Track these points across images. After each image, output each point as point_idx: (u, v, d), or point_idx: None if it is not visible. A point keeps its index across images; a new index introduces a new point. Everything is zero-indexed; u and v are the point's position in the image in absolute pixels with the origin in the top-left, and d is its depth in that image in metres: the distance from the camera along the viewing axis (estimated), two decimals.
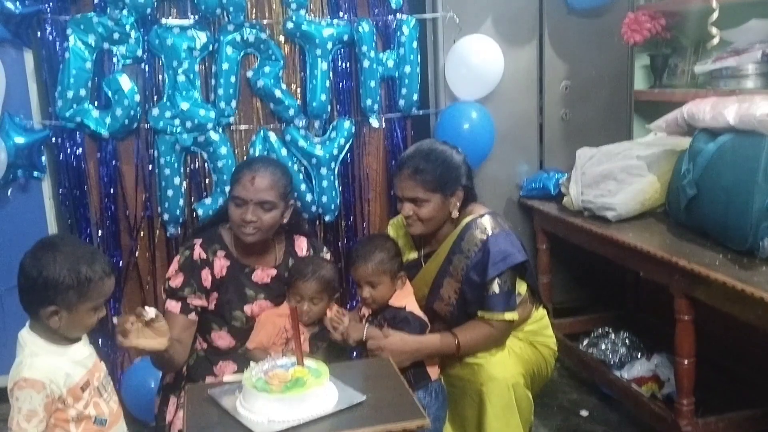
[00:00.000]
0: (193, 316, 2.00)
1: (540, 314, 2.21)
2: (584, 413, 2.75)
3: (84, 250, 1.56)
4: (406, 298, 2.05)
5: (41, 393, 1.46)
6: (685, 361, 2.25)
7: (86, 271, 1.50)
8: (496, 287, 1.99)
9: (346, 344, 1.99)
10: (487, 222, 2.06)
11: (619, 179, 2.66)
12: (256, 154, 2.89)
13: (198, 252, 2.02)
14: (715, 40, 2.64)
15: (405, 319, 2.01)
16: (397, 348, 1.94)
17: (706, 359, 2.35)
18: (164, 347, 1.69)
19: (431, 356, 2.02)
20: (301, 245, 2.17)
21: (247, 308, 2.03)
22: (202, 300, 2.01)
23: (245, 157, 2.93)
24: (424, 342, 2.00)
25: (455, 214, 2.08)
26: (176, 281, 1.99)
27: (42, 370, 1.48)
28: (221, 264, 2.03)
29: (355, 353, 2.44)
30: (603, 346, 3.03)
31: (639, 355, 2.93)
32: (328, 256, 2.20)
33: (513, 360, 2.05)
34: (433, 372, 2.03)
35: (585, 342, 3.11)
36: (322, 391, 1.58)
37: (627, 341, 3.03)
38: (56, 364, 1.51)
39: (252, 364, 1.67)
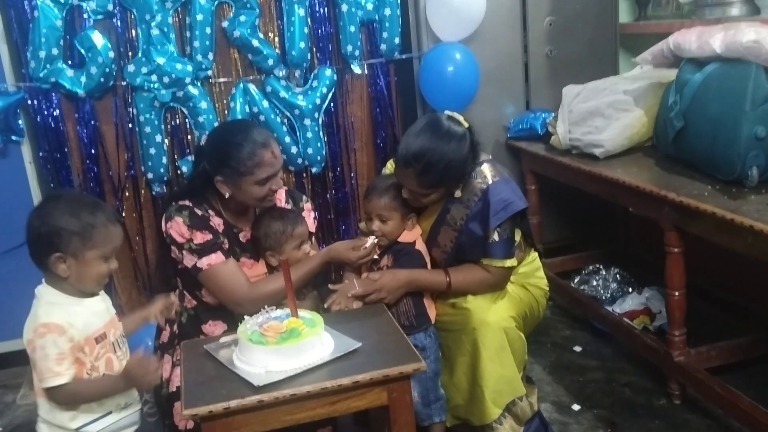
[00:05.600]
0: (235, 257, 1.99)
1: (532, 257, 2.21)
2: (578, 349, 2.79)
3: (88, 200, 1.59)
4: (414, 238, 2.07)
5: (63, 336, 1.46)
6: (676, 293, 2.28)
7: (87, 217, 1.51)
8: (496, 235, 1.98)
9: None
10: (486, 170, 2.02)
11: (606, 115, 2.64)
12: (237, 108, 2.84)
13: (196, 209, 1.99)
14: None
15: (410, 252, 2.03)
16: (391, 284, 1.95)
17: (695, 290, 2.37)
18: None
19: (424, 287, 2.02)
20: (279, 197, 2.15)
21: None
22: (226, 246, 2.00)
23: (226, 112, 2.88)
24: (415, 272, 2.01)
25: (458, 194, 2.02)
26: (202, 237, 1.93)
27: (60, 315, 1.49)
28: (216, 221, 2.02)
29: None
30: (594, 283, 3.07)
31: (630, 290, 2.97)
32: (309, 205, 2.20)
33: (504, 303, 2.05)
34: (432, 314, 2.05)
35: (576, 279, 3.14)
36: (318, 340, 1.59)
37: (618, 277, 3.06)
38: (74, 310, 1.52)
39: (246, 317, 1.67)
